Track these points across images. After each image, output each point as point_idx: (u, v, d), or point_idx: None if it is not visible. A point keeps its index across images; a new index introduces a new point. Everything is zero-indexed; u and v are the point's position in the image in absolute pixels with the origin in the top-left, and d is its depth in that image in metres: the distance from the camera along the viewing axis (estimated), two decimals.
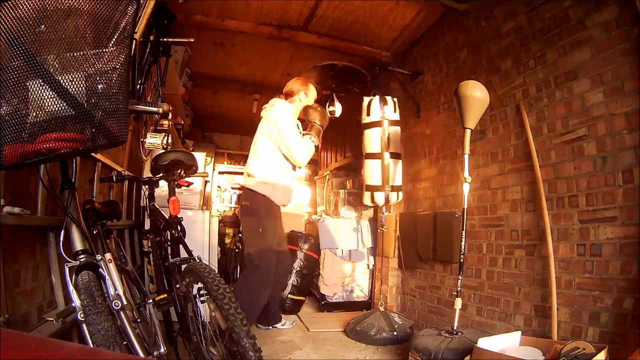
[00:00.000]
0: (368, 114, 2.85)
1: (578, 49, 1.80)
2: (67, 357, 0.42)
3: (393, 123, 2.83)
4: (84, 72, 0.85)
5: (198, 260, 1.44)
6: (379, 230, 3.24)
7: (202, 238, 2.92)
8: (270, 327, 2.80)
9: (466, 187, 2.02)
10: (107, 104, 0.88)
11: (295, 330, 2.86)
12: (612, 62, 1.64)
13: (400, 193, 2.90)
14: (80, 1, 0.82)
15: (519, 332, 1.71)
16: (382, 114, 2.82)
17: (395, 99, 2.88)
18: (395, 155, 2.83)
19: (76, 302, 0.99)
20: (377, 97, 2.86)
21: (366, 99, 2.90)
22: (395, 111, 2.85)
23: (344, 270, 3.53)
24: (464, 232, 2.01)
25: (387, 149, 2.79)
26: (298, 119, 2.70)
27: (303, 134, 2.60)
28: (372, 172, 2.83)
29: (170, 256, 1.57)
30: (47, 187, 1.27)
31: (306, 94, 2.67)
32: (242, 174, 6.17)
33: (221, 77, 4.27)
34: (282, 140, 2.47)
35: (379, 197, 2.82)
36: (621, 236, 1.57)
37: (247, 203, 2.55)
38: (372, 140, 2.82)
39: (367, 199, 2.90)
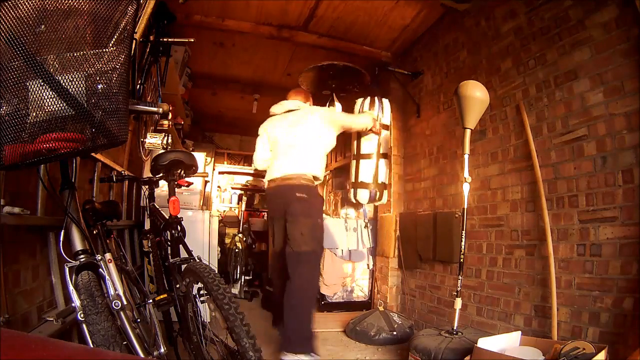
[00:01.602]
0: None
1: (578, 49, 1.80)
2: (67, 357, 0.42)
3: (385, 126, 2.93)
4: (84, 72, 0.85)
5: (198, 260, 1.43)
6: (364, 227, 3.42)
7: (202, 238, 2.93)
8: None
9: (466, 187, 2.02)
10: (107, 104, 0.88)
11: None
12: (612, 62, 1.64)
13: (385, 192, 3.00)
14: (80, 1, 0.82)
15: (519, 332, 1.71)
16: (378, 115, 2.90)
17: (386, 100, 2.93)
18: (382, 155, 2.96)
19: (76, 302, 0.99)
20: (367, 99, 2.91)
21: (358, 100, 2.97)
22: (382, 113, 2.92)
23: (344, 270, 3.53)
24: (464, 232, 2.01)
25: (378, 148, 2.93)
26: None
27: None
28: (364, 170, 2.95)
29: (170, 256, 1.57)
30: (47, 187, 1.27)
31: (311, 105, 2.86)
32: (242, 174, 6.18)
33: (221, 77, 4.26)
34: (350, 124, 2.62)
35: (363, 195, 2.95)
36: (621, 236, 1.57)
37: (303, 195, 2.38)
38: (365, 141, 2.95)
39: (351, 195, 3.03)
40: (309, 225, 2.37)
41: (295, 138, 2.49)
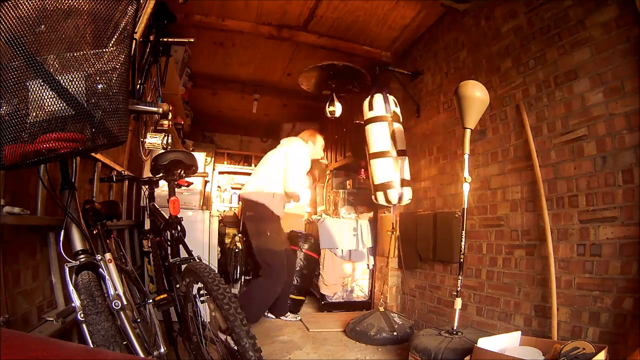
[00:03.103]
0: (371, 109, 2.79)
1: (578, 49, 1.80)
2: (67, 357, 0.42)
3: (397, 119, 2.82)
4: (84, 72, 0.85)
5: (198, 260, 1.44)
6: (388, 233, 3.12)
7: (202, 238, 2.93)
8: (274, 317, 3.11)
9: (466, 187, 2.02)
10: (107, 104, 0.88)
11: (295, 330, 2.86)
12: (612, 62, 1.64)
13: (410, 189, 2.81)
14: (80, 1, 0.82)
15: (519, 332, 1.71)
16: (386, 108, 2.77)
17: (394, 98, 2.88)
18: (401, 153, 2.77)
19: (76, 302, 0.99)
20: (379, 93, 2.83)
21: (368, 97, 2.87)
22: (397, 106, 2.86)
23: (344, 270, 3.53)
24: (464, 232, 2.01)
25: (394, 145, 2.74)
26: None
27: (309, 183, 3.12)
28: (381, 169, 2.73)
29: (170, 256, 1.57)
30: (47, 187, 1.27)
31: (314, 143, 3.24)
32: (242, 174, 6.18)
33: (221, 77, 4.26)
34: (288, 167, 2.99)
35: (393, 195, 2.71)
36: (621, 236, 1.57)
37: (251, 213, 3.01)
38: (378, 136, 2.75)
39: (381, 198, 2.77)
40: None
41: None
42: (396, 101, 2.87)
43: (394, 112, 2.81)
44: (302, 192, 3.21)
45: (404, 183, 2.75)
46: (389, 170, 2.72)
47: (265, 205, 2.92)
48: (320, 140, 3.30)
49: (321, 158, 3.48)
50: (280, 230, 3.06)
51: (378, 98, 2.80)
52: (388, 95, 2.83)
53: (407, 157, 2.83)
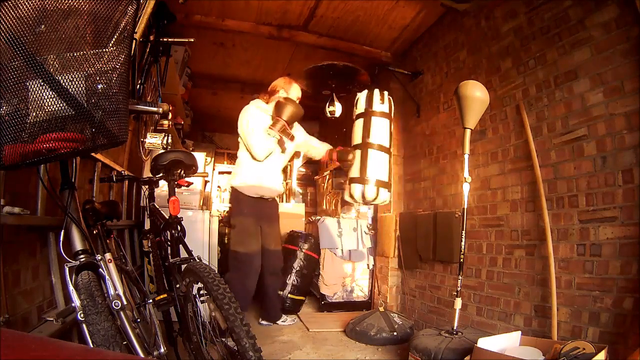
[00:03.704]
0: (356, 107, 2.72)
1: (578, 49, 1.80)
2: (67, 357, 0.41)
3: (380, 114, 2.53)
4: (84, 72, 0.85)
5: (198, 260, 1.43)
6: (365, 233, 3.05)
7: (202, 238, 2.93)
8: (271, 324, 2.93)
9: (466, 187, 2.02)
10: (107, 104, 0.88)
11: (295, 330, 2.86)
12: (612, 62, 1.64)
13: (385, 190, 2.46)
14: (80, 1, 0.82)
15: (519, 332, 1.71)
16: (366, 105, 2.55)
17: (386, 92, 2.71)
18: (378, 147, 2.49)
19: (76, 302, 0.99)
20: (364, 91, 2.74)
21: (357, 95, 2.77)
22: (382, 103, 2.61)
23: (344, 270, 3.53)
24: (464, 232, 2.00)
25: (367, 138, 2.49)
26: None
27: (266, 129, 2.62)
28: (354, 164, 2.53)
29: (170, 256, 1.57)
30: (47, 187, 1.27)
31: (286, 92, 2.79)
32: None
33: (221, 77, 4.26)
34: (244, 138, 2.73)
35: (355, 190, 2.46)
36: (621, 236, 1.57)
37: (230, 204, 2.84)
38: (355, 131, 2.57)
39: (345, 192, 2.59)
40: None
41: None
42: (386, 95, 2.69)
43: (377, 108, 2.53)
44: (269, 147, 2.70)
45: (376, 182, 2.43)
46: (357, 164, 2.48)
47: (233, 187, 2.75)
48: (295, 90, 2.85)
49: (297, 98, 2.88)
50: (249, 228, 2.72)
51: (362, 96, 2.59)
52: (376, 90, 2.60)
53: (386, 154, 2.50)
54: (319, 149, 2.98)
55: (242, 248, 2.71)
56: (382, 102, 2.61)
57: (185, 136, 4.67)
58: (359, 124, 2.56)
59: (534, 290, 1.95)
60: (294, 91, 2.85)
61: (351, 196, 2.50)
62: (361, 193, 2.42)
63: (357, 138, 2.54)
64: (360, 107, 2.64)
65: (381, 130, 2.53)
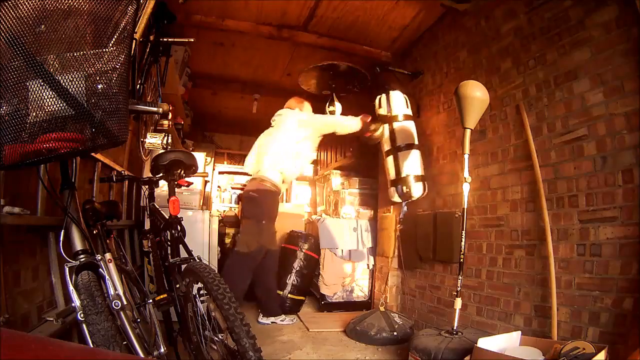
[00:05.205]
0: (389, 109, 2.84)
1: (578, 49, 1.80)
2: (67, 357, 0.42)
3: (407, 117, 2.84)
4: (84, 72, 0.85)
5: (198, 260, 1.44)
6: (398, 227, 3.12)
7: (202, 238, 2.93)
8: (270, 322, 3.00)
9: (466, 187, 2.02)
10: (107, 104, 0.88)
11: (295, 330, 2.86)
12: (612, 62, 1.64)
13: (416, 184, 2.72)
14: (80, 1, 0.82)
15: (519, 332, 1.71)
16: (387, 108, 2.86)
17: (395, 93, 2.88)
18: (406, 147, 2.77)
19: (76, 302, 0.99)
20: (397, 92, 2.83)
21: (384, 95, 2.87)
22: (389, 105, 2.84)
23: (344, 270, 3.53)
24: (463, 232, 2.01)
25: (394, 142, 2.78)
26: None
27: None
28: (390, 165, 2.82)
29: (170, 256, 1.57)
30: (47, 187, 1.27)
31: (301, 110, 3.10)
32: (242, 174, 6.19)
33: (221, 77, 4.26)
34: (332, 126, 2.96)
35: (392, 191, 2.80)
36: (621, 236, 1.57)
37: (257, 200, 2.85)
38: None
39: (391, 193, 2.85)
40: (248, 225, 2.87)
41: (267, 144, 2.96)
42: (389, 99, 2.84)
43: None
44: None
45: (401, 180, 2.76)
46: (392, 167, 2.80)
47: (279, 188, 2.89)
48: (307, 107, 3.18)
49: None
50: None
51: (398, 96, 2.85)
52: (390, 92, 2.85)
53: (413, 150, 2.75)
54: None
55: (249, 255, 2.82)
56: (407, 107, 2.78)
57: (185, 136, 4.67)
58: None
59: (534, 290, 1.95)
60: (307, 109, 3.16)
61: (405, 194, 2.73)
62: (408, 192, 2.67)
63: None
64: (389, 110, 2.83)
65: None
